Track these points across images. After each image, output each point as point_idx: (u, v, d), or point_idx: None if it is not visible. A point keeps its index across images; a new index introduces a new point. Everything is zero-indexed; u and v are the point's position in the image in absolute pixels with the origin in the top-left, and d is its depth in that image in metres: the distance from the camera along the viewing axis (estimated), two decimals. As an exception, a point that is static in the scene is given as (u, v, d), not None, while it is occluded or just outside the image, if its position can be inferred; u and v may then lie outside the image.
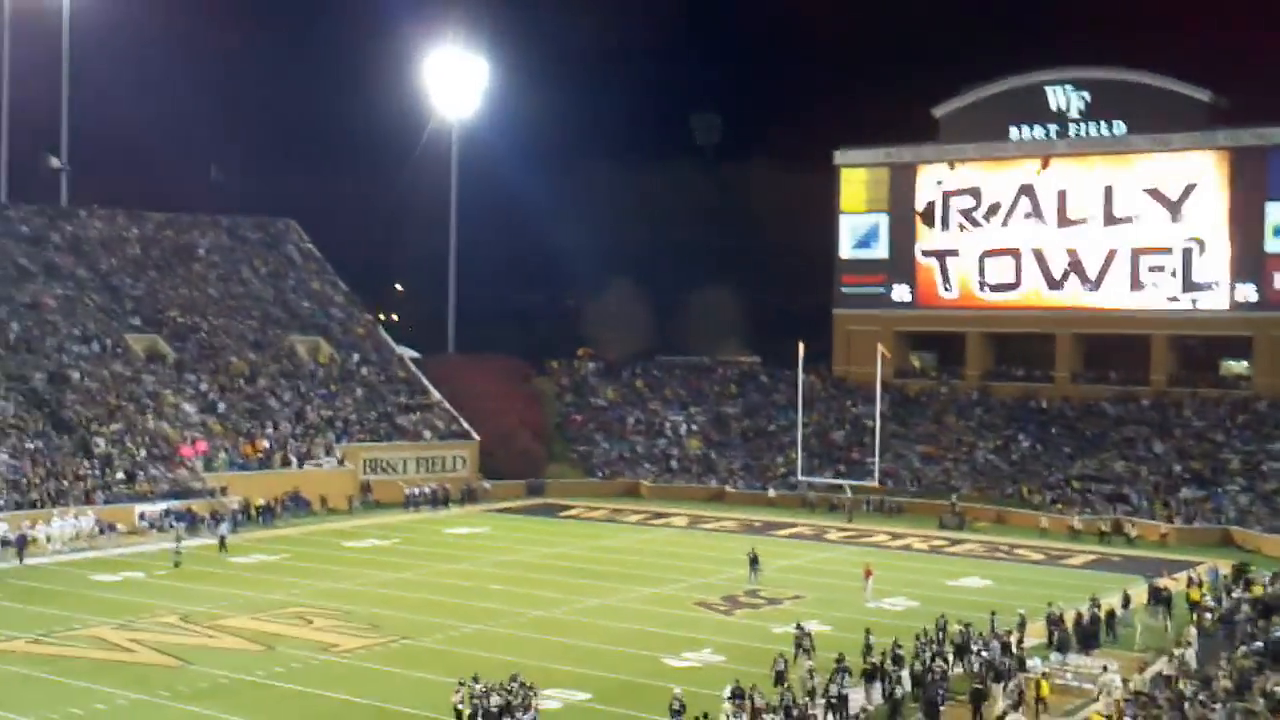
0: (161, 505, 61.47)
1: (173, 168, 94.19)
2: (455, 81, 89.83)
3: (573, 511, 71.27)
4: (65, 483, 61.12)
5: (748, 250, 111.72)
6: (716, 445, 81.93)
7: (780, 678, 34.35)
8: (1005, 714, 31.09)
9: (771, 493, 73.42)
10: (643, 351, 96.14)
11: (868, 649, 36.37)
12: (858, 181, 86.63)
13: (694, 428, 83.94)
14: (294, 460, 70.37)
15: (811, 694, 31.94)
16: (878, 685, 33.62)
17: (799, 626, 38.05)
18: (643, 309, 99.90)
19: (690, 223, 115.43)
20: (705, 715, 29.69)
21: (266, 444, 70.69)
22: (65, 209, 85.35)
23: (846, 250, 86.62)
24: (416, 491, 71.13)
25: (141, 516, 60.61)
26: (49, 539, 55.74)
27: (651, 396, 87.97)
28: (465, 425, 78.51)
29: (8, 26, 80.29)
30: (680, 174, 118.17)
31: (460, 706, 31.05)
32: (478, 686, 31.02)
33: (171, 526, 59.28)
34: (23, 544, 53.69)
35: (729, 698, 31.25)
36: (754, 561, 51.78)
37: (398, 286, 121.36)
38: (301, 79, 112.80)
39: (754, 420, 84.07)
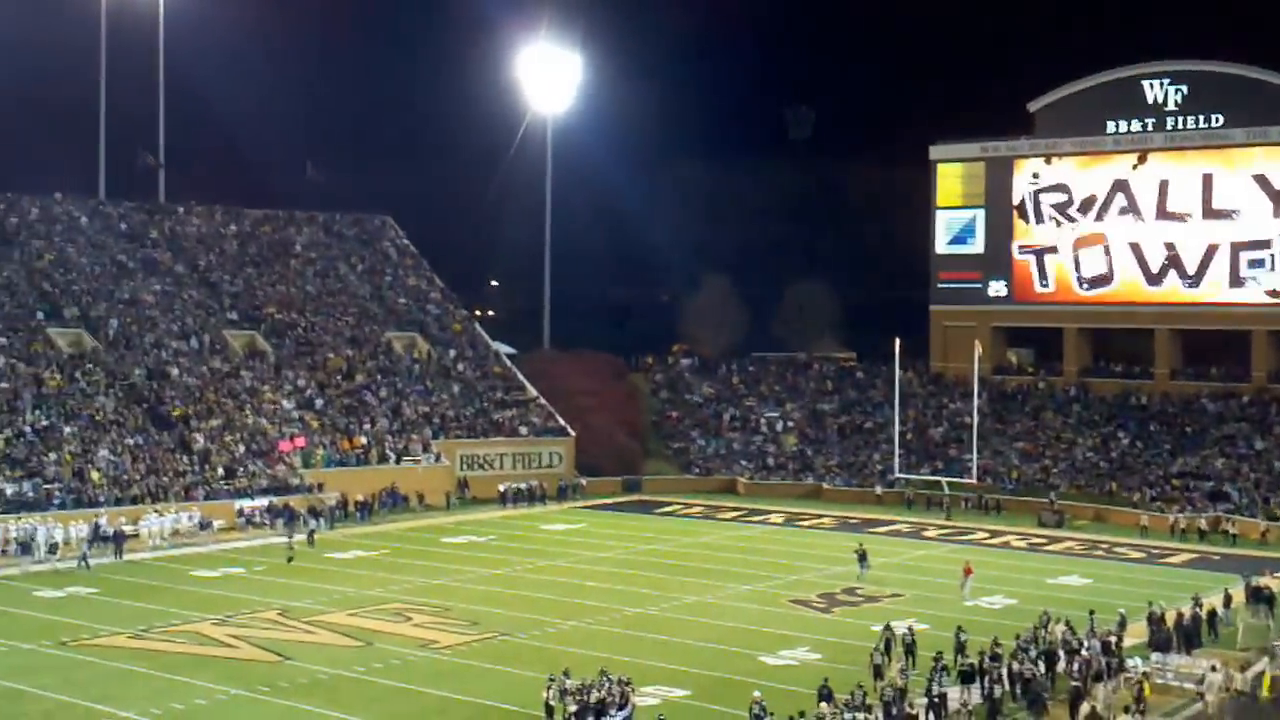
0: (260, 501, 61.89)
1: (269, 164, 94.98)
2: (549, 76, 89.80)
3: (669, 508, 70.91)
4: (165, 478, 61.74)
5: (843, 245, 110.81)
6: (813, 442, 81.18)
7: (879, 673, 33.98)
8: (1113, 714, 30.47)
9: (879, 490, 72.59)
10: (738, 347, 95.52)
11: (960, 647, 36.07)
12: (953, 176, 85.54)
13: (790, 424, 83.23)
14: (391, 456, 70.62)
15: (902, 694, 31.35)
16: (974, 685, 33.07)
17: (887, 627, 37.45)
18: (737, 304, 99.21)
19: (784, 217, 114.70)
20: (802, 714, 29.17)
21: (364, 440, 71.02)
22: (163, 206, 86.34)
23: (942, 245, 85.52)
24: (506, 488, 71.11)
25: (240, 512, 61.05)
26: (149, 534, 56.27)
27: (747, 393, 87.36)
28: (561, 421, 78.41)
29: (105, 25, 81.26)
30: (774, 168, 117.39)
31: (552, 703, 30.81)
32: (570, 682, 30.78)
33: (285, 522, 59.64)
34: (121, 540, 54.26)
35: (820, 700, 30.73)
36: (863, 558, 51.43)
37: (493, 282, 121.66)
38: (397, 75, 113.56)
39: (850, 417, 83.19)
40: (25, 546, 52.13)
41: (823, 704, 30.34)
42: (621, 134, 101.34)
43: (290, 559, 53.48)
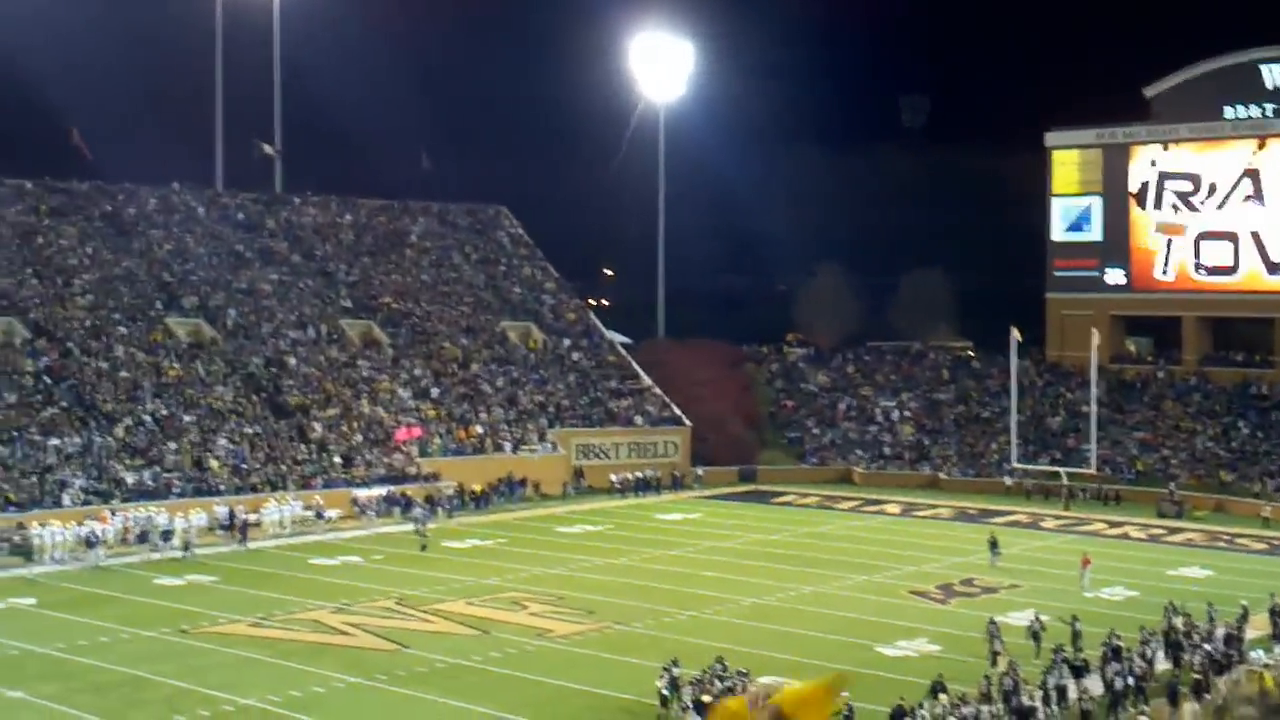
0: (377, 490, 62.17)
1: (384, 154, 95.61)
2: (662, 65, 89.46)
3: (785, 498, 70.25)
4: (283, 467, 62.29)
5: (958, 234, 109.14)
6: (929, 432, 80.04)
7: (996, 663, 33.30)
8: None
9: (1008, 481, 71.20)
10: (853, 337, 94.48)
11: (1075, 637, 35.42)
12: (1069, 163, 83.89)
13: (906, 414, 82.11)
14: (507, 446, 70.73)
15: (1017, 686, 30.64)
16: (1093, 676, 32.46)
17: (992, 622, 36.53)
18: (852, 293, 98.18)
19: (899, 206, 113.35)
20: (902, 699, 28.68)
21: (479, 429, 71.18)
22: (280, 196, 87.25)
23: (1059, 233, 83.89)
24: (619, 477, 70.91)
25: (356, 501, 61.39)
26: (270, 523, 56.75)
27: (863, 382, 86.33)
28: (676, 411, 78.04)
29: (220, 16, 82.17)
30: (889, 156, 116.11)
31: (665, 691, 30.46)
32: (684, 672, 30.40)
33: (402, 511, 59.88)
34: (245, 528, 54.85)
35: (932, 693, 30.05)
36: (994, 545, 51.01)
37: (607, 271, 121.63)
38: (511, 65, 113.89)
39: (967, 406, 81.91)
40: (143, 535, 52.82)
41: (940, 695, 29.73)
42: (734, 122, 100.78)
43: (424, 547, 53.66)
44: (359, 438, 66.83)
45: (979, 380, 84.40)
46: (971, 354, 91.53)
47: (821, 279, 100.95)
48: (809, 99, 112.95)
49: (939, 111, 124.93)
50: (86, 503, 54.77)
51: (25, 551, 49.78)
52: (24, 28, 77.64)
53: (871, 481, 74.95)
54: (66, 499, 54.69)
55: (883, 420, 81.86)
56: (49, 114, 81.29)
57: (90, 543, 50.47)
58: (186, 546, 51.83)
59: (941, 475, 74.68)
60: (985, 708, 29.32)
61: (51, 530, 50.85)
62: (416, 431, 68.40)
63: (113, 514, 53.44)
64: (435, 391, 73.66)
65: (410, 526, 57.33)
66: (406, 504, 61.03)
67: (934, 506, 67.04)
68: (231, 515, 55.68)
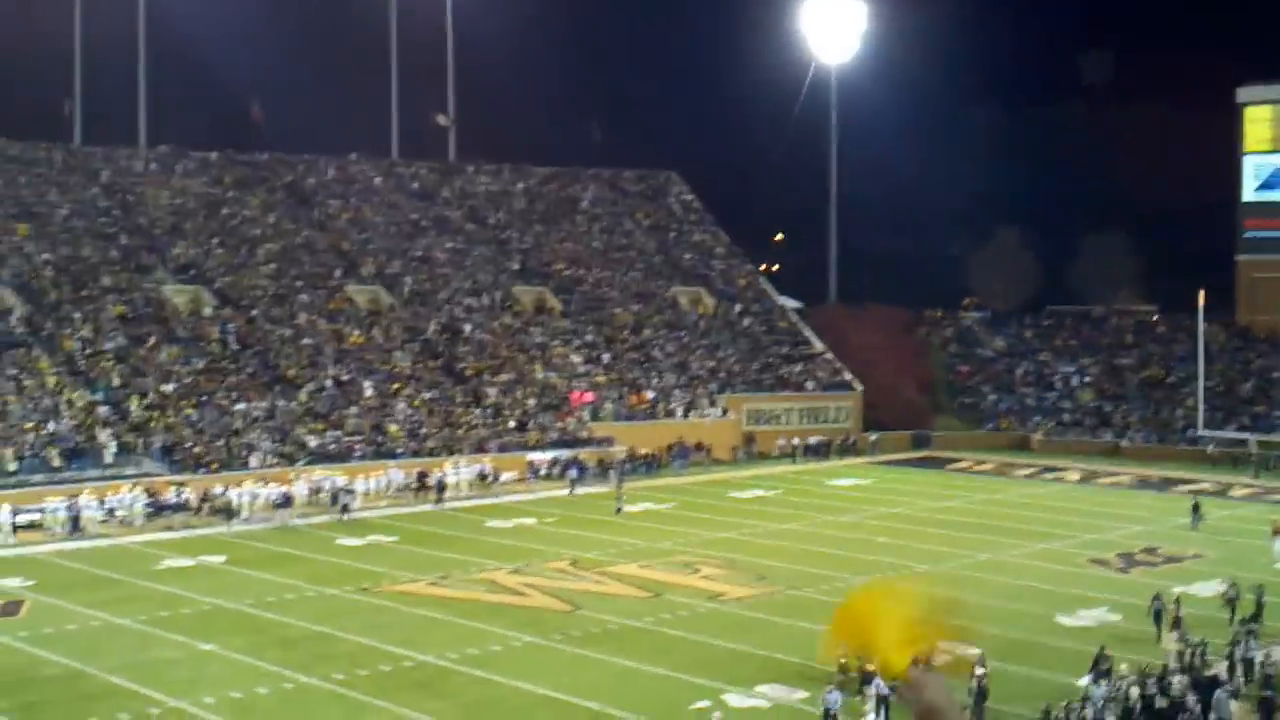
0: (550, 454, 62.80)
1: (555, 121, 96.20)
2: (833, 26, 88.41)
3: (960, 465, 69.31)
4: (459, 431, 63.27)
5: (1142, 193, 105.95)
6: (1111, 397, 78.20)
7: (1179, 623, 32.45)
8: None
9: (1211, 449, 69.05)
10: (1031, 300, 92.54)
11: (1259, 610, 34.37)
12: (1262, 120, 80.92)
13: (1087, 379, 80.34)
14: (678, 411, 70.90)
15: (1186, 670, 29.59)
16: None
17: (1157, 598, 35.39)
18: (1030, 256, 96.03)
19: (1081, 165, 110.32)
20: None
21: (651, 395, 71.46)
22: (454, 165, 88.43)
23: (1250, 192, 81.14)
24: (788, 442, 70.64)
25: (531, 465, 62.09)
26: (450, 485, 57.69)
27: (1041, 347, 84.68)
28: (848, 376, 77.43)
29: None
30: (1069, 114, 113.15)
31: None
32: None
33: (577, 475, 60.51)
34: (441, 488, 56.21)
35: (1094, 665, 29.11)
36: (1196, 510, 50.08)
37: (779, 236, 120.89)
38: (680, 28, 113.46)
39: (1151, 371, 79.82)
40: (335, 497, 54.08)
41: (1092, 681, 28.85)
42: (908, 82, 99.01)
43: (619, 510, 54.12)
44: (532, 402, 67.56)
45: (1164, 345, 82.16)
46: (1156, 318, 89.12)
47: (999, 241, 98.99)
48: (985, 57, 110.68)
49: (1122, 67, 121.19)
50: (272, 465, 56.29)
51: (223, 511, 51.43)
52: (205, 3, 79.59)
53: (1050, 448, 73.58)
54: (253, 461, 56.28)
55: (1062, 386, 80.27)
56: (231, 87, 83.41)
57: (279, 504, 51.95)
58: (345, 509, 52.83)
59: (1123, 442, 73.01)
60: (1175, 679, 28.51)
61: (240, 491, 52.46)
62: (589, 396, 68.93)
63: (297, 476, 54.83)
64: (607, 357, 74.12)
65: (600, 489, 57.97)
66: (579, 468, 61.60)
67: (1115, 474, 65.60)
68: (423, 477, 57.07)
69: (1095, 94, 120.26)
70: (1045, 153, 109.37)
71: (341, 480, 55.02)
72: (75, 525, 48.48)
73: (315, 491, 54.25)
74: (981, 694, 27.66)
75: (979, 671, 27.38)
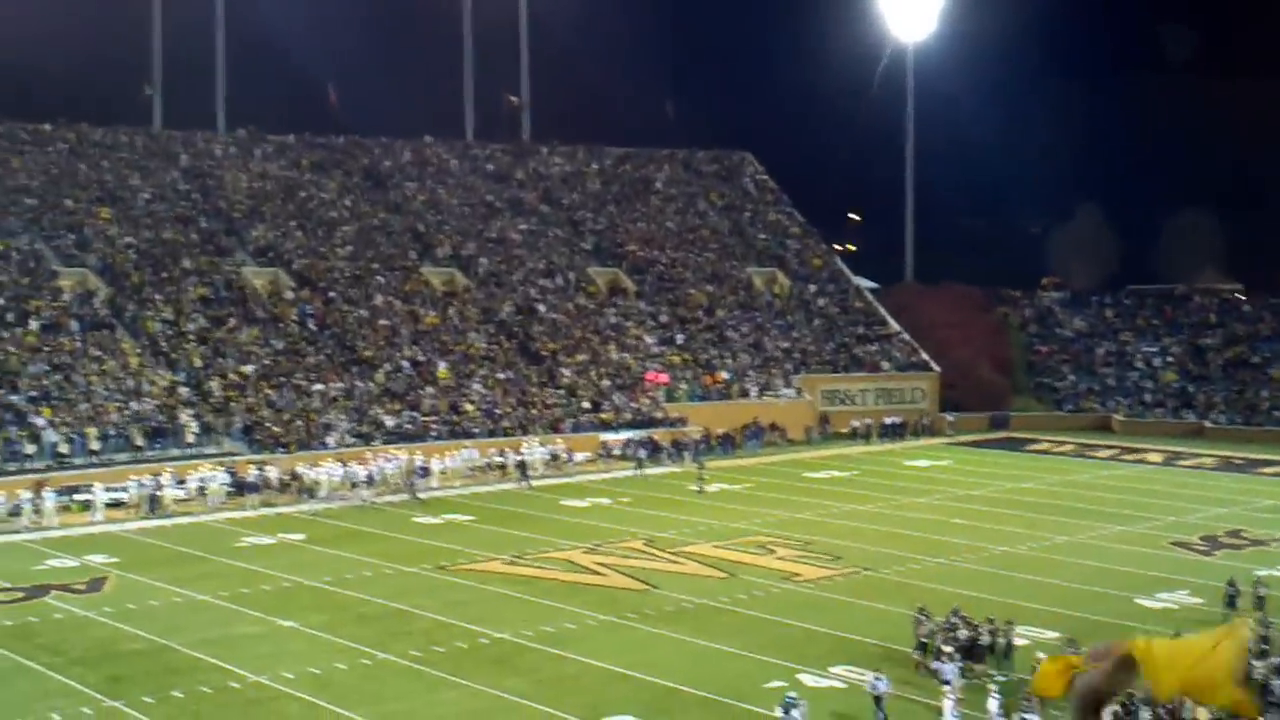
0: (624, 435, 62.87)
1: (629, 102, 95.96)
2: (910, 3, 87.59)
3: (1038, 446, 68.66)
4: (533, 411, 63.47)
5: (1226, 171, 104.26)
6: (1194, 378, 77.11)
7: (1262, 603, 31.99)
8: None
9: None
10: (1112, 280, 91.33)
11: None
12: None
13: (1169, 359, 79.25)
14: (752, 391, 70.75)
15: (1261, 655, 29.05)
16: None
17: (1231, 583, 34.69)
18: (1111, 234, 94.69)
19: (1163, 141, 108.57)
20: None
21: (725, 375, 71.35)
22: (528, 146, 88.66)
23: (1340, 168, 79.66)
24: (862, 423, 70.29)
25: (604, 445, 62.18)
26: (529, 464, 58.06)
27: (1122, 327, 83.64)
28: (925, 356, 76.91)
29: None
30: (1151, 90, 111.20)
31: (925, 639, 29.97)
32: (927, 621, 29.87)
33: (648, 455, 60.62)
34: (524, 467, 56.55)
35: None
36: None
37: (854, 216, 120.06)
38: (754, 7, 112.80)
39: (1236, 351, 78.59)
40: (423, 471, 54.51)
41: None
42: (986, 58, 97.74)
43: (701, 490, 54.14)
44: (606, 383, 67.65)
45: (1249, 324, 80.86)
46: (1241, 296, 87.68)
47: (1079, 219, 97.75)
48: (1065, 30, 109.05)
49: (1206, 41, 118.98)
50: (350, 445, 56.78)
51: (303, 490, 52.07)
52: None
53: (1131, 429, 72.72)
54: (331, 441, 56.79)
55: (1143, 366, 79.27)
56: (308, 71, 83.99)
57: (355, 483, 52.43)
58: (413, 488, 53.18)
59: (1206, 423, 71.97)
60: (1258, 663, 28.06)
61: (319, 470, 53.09)
62: (664, 377, 68.93)
63: (374, 455, 55.26)
64: (681, 338, 74.05)
65: (673, 468, 57.95)
66: (653, 448, 61.65)
67: (1198, 455, 64.72)
68: (502, 456, 57.54)
69: (1179, 68, 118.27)
70: (1127, 128, 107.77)
71: (419, 460, 55.41)
72: (157, 504, 49.19)
73: (390, 471, 54.50)
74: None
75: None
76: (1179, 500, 52.81)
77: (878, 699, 26.04)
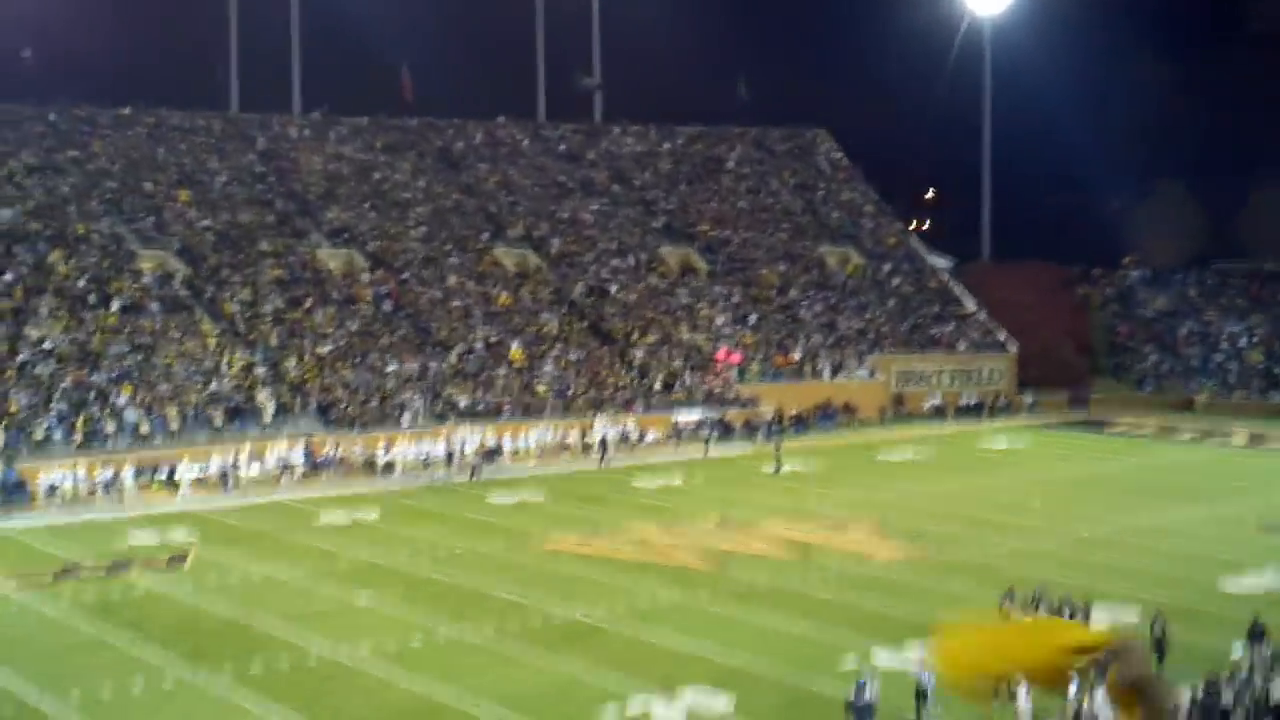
0: (695, 414, 62.71)
1: (701, 81, 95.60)
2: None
3: (1119, 427, 67.83)
4: (605, 391, 63.48)
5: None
6: (1280, 358, 75.93)
7: None
8: None
9: None
10: (1196, 257, 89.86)
11: None
12: None
13: (1255, 339, 77.90)
14: (825, 371, 70.38)
15: None
16: None
17: None
18: (1195, 211, 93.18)
19: (1248, 116, 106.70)
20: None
21: (798, 355, 71.02)
22: (600, 126, 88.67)
23: None
24: (932, 403, 69.79)
25: (676, 425, 62.07)
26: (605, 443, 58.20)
27: (1206, 306, 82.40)
28: (1001, 336, 76.15)
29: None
30: (1236, 61, 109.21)
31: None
32: (1010, 602, 29.49)
33: (719, 435, 60.53)
34: (604, 445, 56.84)
35: (1250, 638, 28.03)
36: None
37: (929, 193, 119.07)
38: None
39: (1323, 330, 77.30)
40: (490, 454, 54.73)
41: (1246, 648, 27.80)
42: (1065, 31, 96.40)
43: (778, 469, 53.94)
44: (678, 363, 67.54)
45: (1340, 302, 79.52)
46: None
47: (1161, 196, 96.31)
48: (1147, 3, 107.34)
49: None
50: (424, 425, 57.07)
51: (383, 469, 52.53)
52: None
53: (1214, 411, 71.63)
54: (406, 420, 57.09)
55: (1228, 346, 78.00)
56: (382, 53, 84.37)
57: (429, 462, 52.71)
58: (474, 471, 53.32)
59: (1294, 404, 70.86)
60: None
61: (393, 450, 53.54)
62: (736, 357, 68.72)
63: (448, 435, 55.52)
64: (753, 317, 73.79)
65: (743, 449, 57.73)
66: (725, 428, 61.51)
67: (1285, 437, 63.74)
68: (581, 435, 58.06)
69: (1264, 39, 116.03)
70: (1210, 101, 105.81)
71: (490, 440, 55.66)
72: (237, 482, 49.75)
73: (461, 451, 54.60)
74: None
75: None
76: (1265, 482, 52.01)
77: (923, 692, 25.33)
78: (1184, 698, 23.88)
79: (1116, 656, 6.09)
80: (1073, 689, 24.06)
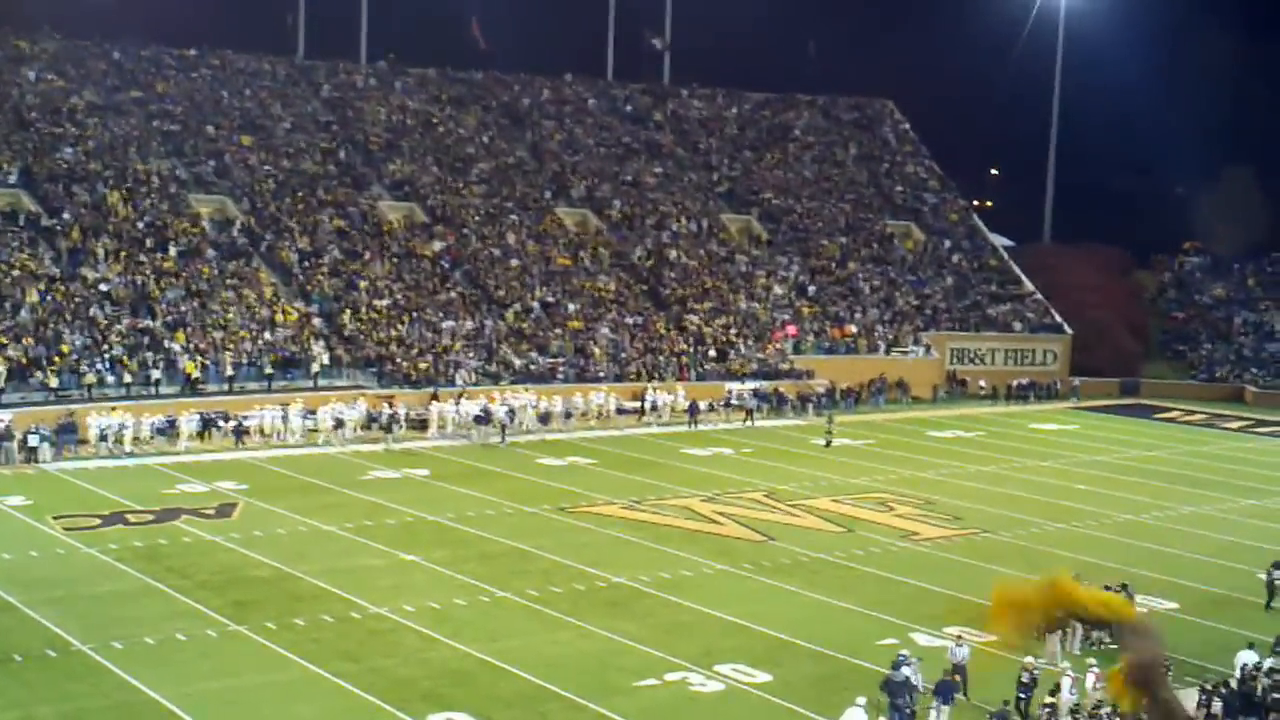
0: (749, 385, 62.76)
1: (771, 45, 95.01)
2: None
3: (1169, 414, 67.45)
4: (660, 358, 63.61)
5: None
6: (1336, 351, 75.16)
7: None
8: None
9: None
10: (1257, 247, 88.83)
11: None
12: None
13: (1311, 331, 77.26)
14: (881, 346, 70.25)
15: None
16: None
17: None
18: (1260, 200, 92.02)
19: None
20: None
21: (854, 329, 70.89)
22: (667, 88, 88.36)
23: None
24: (985, 384, 69.54)
25: (729, 393, 62.17)
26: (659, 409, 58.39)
27: (1264, 296, 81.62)
28: (1058, 318, 75.73)
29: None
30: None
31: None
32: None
33: (771, 406, 60.74)
34: (695, 410, 57.41)
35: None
36: None
37: (993, 171, 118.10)
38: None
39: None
40: (545, 417, 55.08)
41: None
42: (1141, 12, 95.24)
43: (828, 443, 54.08)
44: (734, 332, 67.56)
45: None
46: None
47: (1226, 182, 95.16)
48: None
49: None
50: (477, 384, 57.40)
51: (424, 425, 53.02)
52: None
53: (1266, 401, 71.10)
54: (459, 379, 57.45)
55: (1284, 337, 77.40)
56: (451, 4, 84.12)
57: (481, 420, 53.06)
58: (504, 430, 53.35)
59: (1346, 397, 70.18)
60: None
61: (446, 407, 53.92)
62: (793, 329, 68.70)
63: (500, 396, 55.83)
64: (811, 289, 73.65)
65: (796, 420, 57.92)
66: (778, 400, 61.58)
67: (1335, 430, 63.21)
68: (641, 399, 58.52)
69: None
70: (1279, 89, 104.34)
71: (542, 402, 55.91)
72: (287, 433, 50.28)
73: (511, 412, 54.67)
74: None
75: None
76: (1314, 476, 51.70)
77: (958, 667, 25.58)
78: (1191, 704, 23.87)
79: (1133, 638, 6.19)
80: (1066, 683, 24.31)
